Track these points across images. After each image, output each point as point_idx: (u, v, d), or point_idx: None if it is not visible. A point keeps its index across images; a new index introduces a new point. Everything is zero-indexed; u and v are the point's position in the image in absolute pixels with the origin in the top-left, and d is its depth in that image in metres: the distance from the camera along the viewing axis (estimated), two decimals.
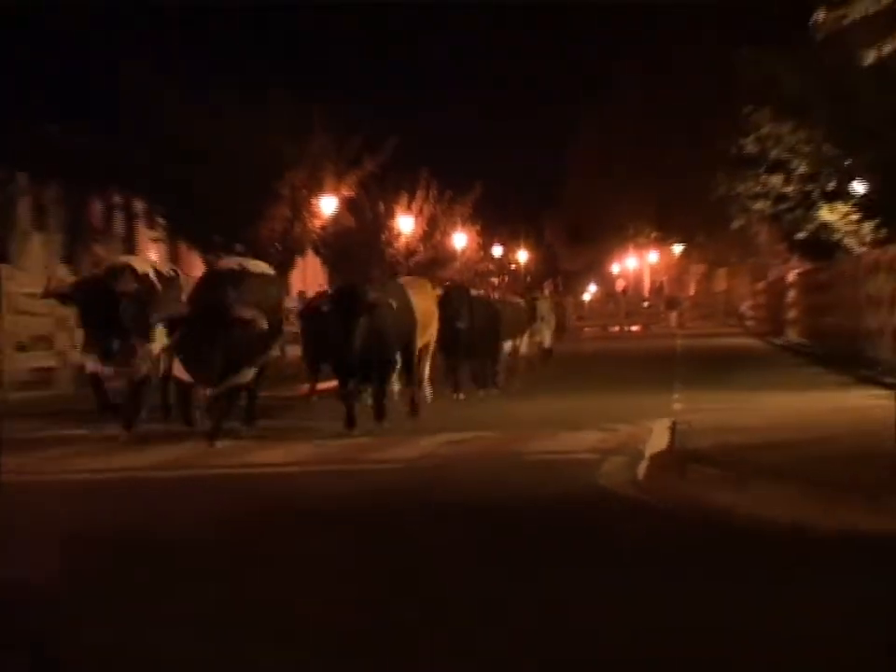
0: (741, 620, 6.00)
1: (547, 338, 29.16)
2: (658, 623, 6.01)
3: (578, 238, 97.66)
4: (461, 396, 20.47)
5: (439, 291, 20.44)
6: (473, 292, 22.37)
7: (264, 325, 14.52)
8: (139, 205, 44.45)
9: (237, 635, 6.06)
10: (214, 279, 15.45)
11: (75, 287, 15.14)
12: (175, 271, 16.97)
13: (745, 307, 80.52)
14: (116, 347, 14.46)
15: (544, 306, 29.31)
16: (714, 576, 7.00)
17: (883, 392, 18.27)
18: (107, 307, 14.37)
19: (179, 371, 14.79)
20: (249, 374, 15.11)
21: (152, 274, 15.62)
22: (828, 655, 5.43)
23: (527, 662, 5.55)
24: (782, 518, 8.26)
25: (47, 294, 15.69)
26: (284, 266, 44.38)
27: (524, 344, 25.84)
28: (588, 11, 68.50)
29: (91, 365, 14.92)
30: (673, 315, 74.34)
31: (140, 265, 15.75)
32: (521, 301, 26.59)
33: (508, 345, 23.37)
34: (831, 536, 7.76)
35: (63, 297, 15.22)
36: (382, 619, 6.26)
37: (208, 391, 14.53)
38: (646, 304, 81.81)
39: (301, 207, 43.65)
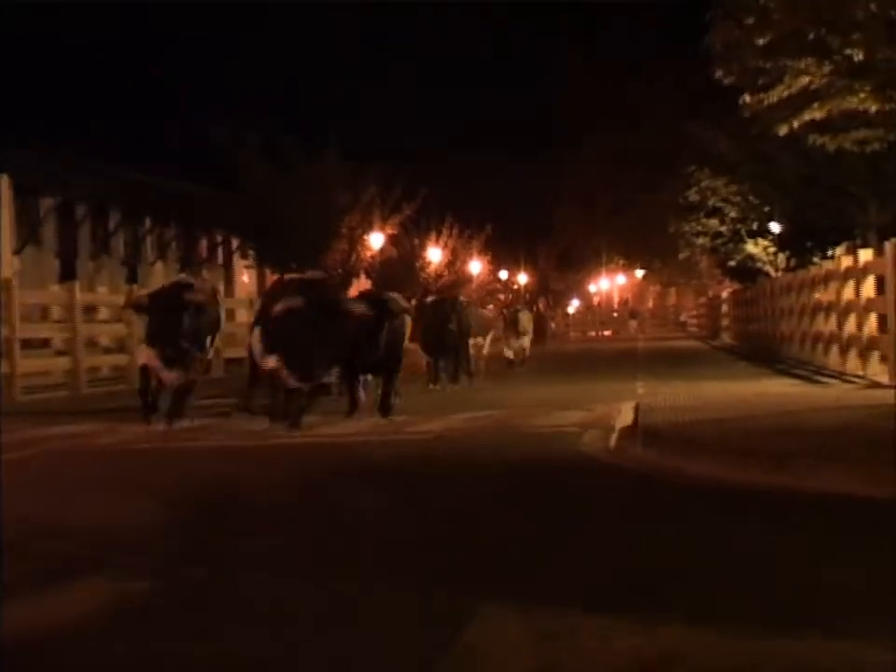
0: (678, 548, 6.03)
1: (526, 343, 28.52)
2: (623, 548, 6.05)
3: (564, 264, 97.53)
4: (439, 387, 19.62)
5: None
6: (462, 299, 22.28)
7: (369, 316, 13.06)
8: (235, 241, 44.60)
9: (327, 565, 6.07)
10: (295, 283, 13.67)
11: (148, 297, 13.93)
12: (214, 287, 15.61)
13: (685, 317, 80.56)
14: (176, 352, 13.17)
15: (524, 317, 28.64)
16: (662, 518, 7.03)
17: (793, 381, 18.33)
18: (173, 315, 13.13)
19: (150, 359, 13.32)
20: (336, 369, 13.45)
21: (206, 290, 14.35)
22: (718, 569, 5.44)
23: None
24: (716, 476, 8.33)
25: (127, 305, 14.84)
26: (343, 285, 44.67)
27: (486, 345, 25.16)
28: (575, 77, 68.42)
29: (145, 358, 13.64)
30: (633, 323, 74.13)
31: (198, 282, 14.70)
32: (488, 309, 25.84)
33: (472, 342, 22.68)
34: (748, 489, 7.78)
35: (139, 307, 14.13)
36: (428, 545, 6.29)
37: (297, 383, 12.51)
38: (615, 315, 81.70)
39: (355, 242, 44.06)
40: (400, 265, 50.40)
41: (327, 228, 41.87)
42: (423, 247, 53.90)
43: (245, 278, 47.59)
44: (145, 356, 13.57)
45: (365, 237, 44.59)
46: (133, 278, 40.36)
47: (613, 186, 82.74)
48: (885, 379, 15.78)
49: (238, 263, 46.62)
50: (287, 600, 5.17)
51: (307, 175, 41.03)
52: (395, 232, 47.42)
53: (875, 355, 17.58)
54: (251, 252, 44.23)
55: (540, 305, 65.69)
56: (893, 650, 4.02)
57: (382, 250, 45.73)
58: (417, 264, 53.24)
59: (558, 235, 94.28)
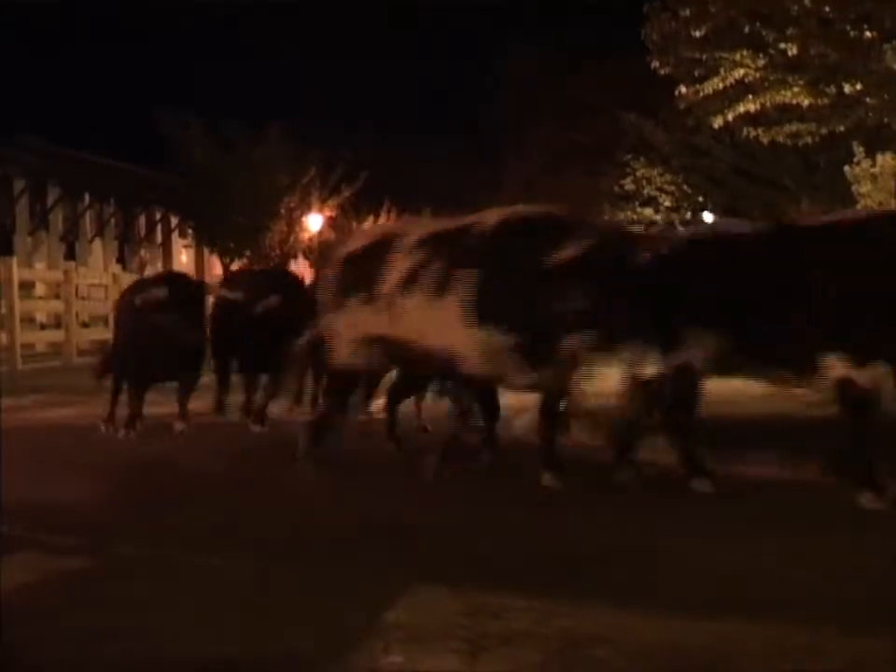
0: (612, 530, 6.07)
1: None
2: (558, 531, 6.08)
3: None
4: None
5: None
6: None
7: None
8: (174, 220, 44.40)
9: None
10: None
11: None
12: None
13: None
14: None
15: None
16: (596, 502, 7.07)
17: None
18: None
19: None
20: None
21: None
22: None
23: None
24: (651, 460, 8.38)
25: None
26: (281, 267, 44.70)
27: None
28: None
29: None
30: None
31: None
32: None
33: None
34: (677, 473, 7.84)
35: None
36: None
37: None
38: None
39: (294, 223, 44.03)
40: (338, 247, 50.36)
41: (266, 208, 41.83)
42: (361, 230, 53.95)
43: (184, 257, 47.33)
44: None
45: (303, 218, 44.59)
46: (71, 255, 40.01)
47: (554, 174, 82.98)
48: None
49: (177, 242, 46.36)
50: (216, 576, 5.15)
51: (248, 154, 40.93)
52: (334, 215, 47.44)
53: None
54: (190, 231, 44.07)
55: None
56: (818, 633, 4.06)
57: (319, 232, 45.72)
58: None
59: None
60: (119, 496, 7.31)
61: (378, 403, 9.65)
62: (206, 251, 45.14)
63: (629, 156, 42.09)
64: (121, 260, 39.75)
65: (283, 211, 43.25)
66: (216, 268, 44.40)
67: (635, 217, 43.75)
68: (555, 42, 70.81)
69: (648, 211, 42.79)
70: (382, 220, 54.85)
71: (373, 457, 9.13)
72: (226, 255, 42.43)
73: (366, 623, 4.34)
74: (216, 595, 4.86)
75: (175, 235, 46.27)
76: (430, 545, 5.83)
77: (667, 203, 41.67)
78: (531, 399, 8.34)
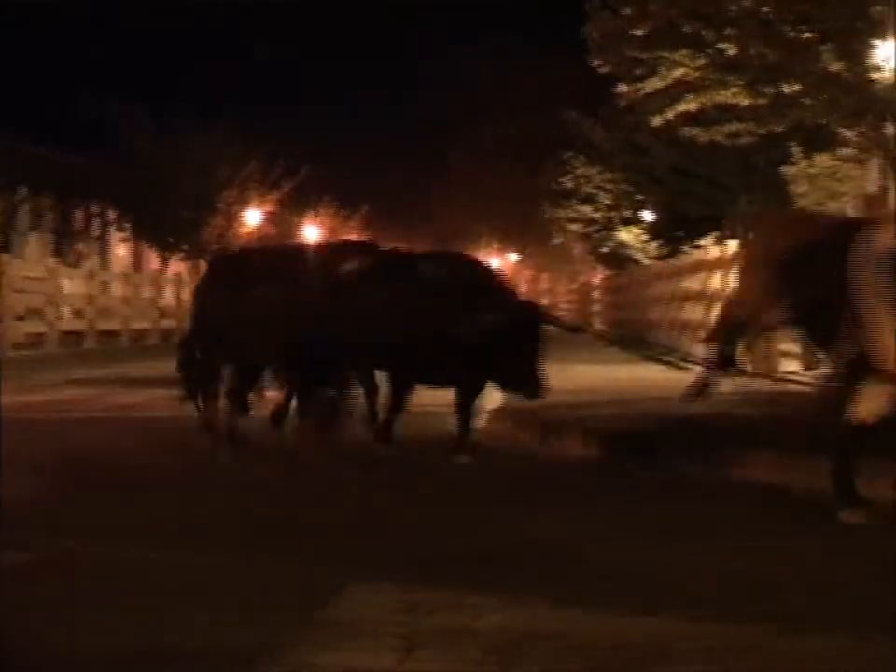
0: (549, 526, 6.09)
1: None
2: (495, 526, 6.09)
3: (443, 246, 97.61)
4: None
5: None
6: None
7: None
8: (112, 213, 44.09)
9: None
10: None
11: None
12: None
13: (546, 301, 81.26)
14: None
15: None
16: (534, 498, 7.10)
17: (661, 367, 18.56)
18: None
19: None
20: None
21: None
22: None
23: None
24: (577, 455, 8.43)
25: None
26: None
27: None
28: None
29: None
30: None
31: None
32: None
33: None
34: (617, 472, 7.89)
35: None
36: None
37: None
38: None
39: (232, 218, 43.85)
40: (276, 242, 50.21)
41: (205, 202, 41.62)
42: (300, 225, 53.75)
43: (121, 251, 47.00)
44: None
45: (242, 213, 44.42)
46: (6, 247, 39.60)
47: (496, 171, 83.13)
48: (750, 367, 16.04)
49: (114, 236, 46.00)
50: (154, 571, 5.13)
51: (187, 149, 40.70)
52: (273, 209, 47.26)
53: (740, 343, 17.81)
54: (127, 224, 43.75)
55: None
56: (757, 632, 4.08)
57: (258, 228, 45.59)
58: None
59: (438, 219, 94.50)
60: (59, 490, 7.25)
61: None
62: (144, 245, 44.85)
63: (569, 154, 42.21)
64: (58, 254, 39.38)
65: (222, 205, 43.02)
66: (153, 262, 44.17)
67: (574, 214, 43.94)
68: (497, 40, 70.86)
69: (587, 208, 42.96)
70: (322, 217, 54.86)
71: (308, 452, 9.10)
72: (164, 249, 42.22)
73: (301, 619, 4.31)
74: (152, 589, 4.83)
75: (112, 229, 45.90)
76: (364, 541, 5.82)
77: (607, 201, 41.85)
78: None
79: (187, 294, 35.21)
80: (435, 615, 4.33)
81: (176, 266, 42.54)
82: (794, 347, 14.86)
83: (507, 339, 7.94)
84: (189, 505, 6.85)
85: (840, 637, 4.02)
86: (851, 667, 3.70)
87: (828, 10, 14.69)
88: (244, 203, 44.35)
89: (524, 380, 8.09)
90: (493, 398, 12.43)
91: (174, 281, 35.23)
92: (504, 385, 8.55)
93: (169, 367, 10.57)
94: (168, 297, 34.55)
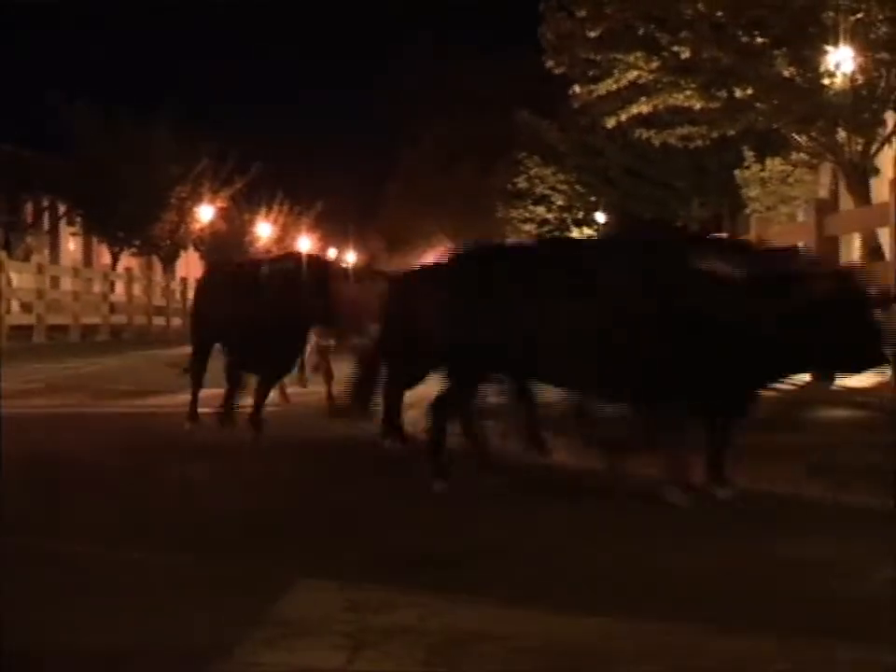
0: (499, 527, 6.09)
1: None
2: (446, 526, 6.09)
3: (394, 244, 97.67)
4: None
5: None
6: None
7: None
8: (62, 207, 43.83)
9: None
10: None
11: None
12: None
13: None
14: None
15: None
16: (489, 499, 7.09)
17: None
18: None
19: None
20: None
21: None
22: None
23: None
24: (529, 455, 8.45)
25: None
26: (171, 257, 44.35)
27: None
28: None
29: None
30: None
31: None
32: None
33: None
34: (571, 470, 7.89)
35: None
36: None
37: None
38: None
39: (185, 214, 43.67)
40: (229, 239, 50.03)
41: (157, 198, 41.42)
42: (252, 222, 53.63)
43: (72, 245, 46.74)
44: None
45: (194, 209, 44.25)
46: None
47: (446, 170, 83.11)
48: None
49: (64, 230, 45.72)
50: (104, 569, 5.10)
51: (139, 144, 40.50)
52: (225, 206, 47.14)
53: None
54: (78, 219, 43.49)
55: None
56: (699, 632, 4.10)
57: (211, 223, 45.45)
58: (246, 239, 52.91)
59: (388, 217, 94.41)
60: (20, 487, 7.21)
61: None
62: (95, 240, 44.62)
63: (523, 154, 42.32)
64: (6, 247, 39.10)
65: (174, 201, 42.85)
66: (104, 257, 43.92)
67: (528, 214, 44.06)
68: (450, 38, 70.79)
69: (540, 209, 43.09)
70: (274, 213, 54.74)
71: (263, 450, 9.09)
72: (115, 244, 42.00)
73: (250, 617, 4.31)
74: (101, 588, 4.81)
75: (62, 223, 45.63)
76: (315, 540, 5.82)
77: (560, 202, 42.01)
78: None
79: (138, 290, 35.07)
80: (384, 614, 4.34)
81: (128, 261, 42.34)
82: None
83: None
84: (143, 502, 6.82)
85: (773, 637, 4.05)
86: (786, 668, 3.74)
87: (780, 16, 14.80)
88: (196, 199, 44.16)
89: None
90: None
91: (125, 277, 35.02)
92: None
93: (114, 363, 10.53)
94: (119, 292, 34.36)
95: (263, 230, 54.07)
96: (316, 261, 9.57)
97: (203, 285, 10.47)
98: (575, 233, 43.06)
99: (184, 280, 39.68)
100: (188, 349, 10.97)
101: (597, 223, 41.05)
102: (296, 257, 9.67)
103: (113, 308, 33.25)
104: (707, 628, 4.14)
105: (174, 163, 42.04)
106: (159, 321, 35.68)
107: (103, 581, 4.91)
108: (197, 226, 44.94)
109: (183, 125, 41.59)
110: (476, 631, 4.14)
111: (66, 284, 31.16)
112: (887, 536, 5.67)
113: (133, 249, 42.97)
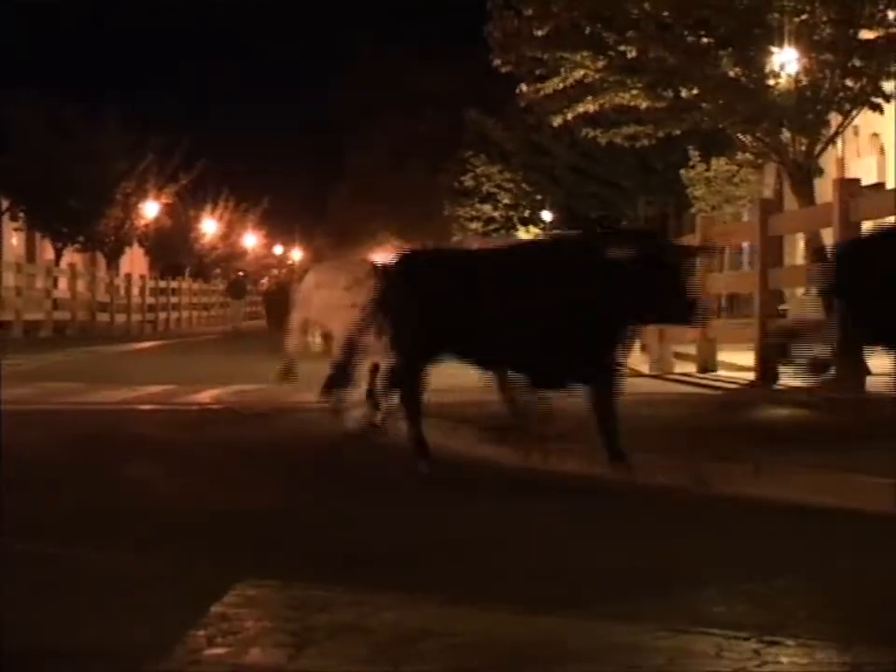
0: (445, 525, 6.09)
1: None
2: (391, 524, 6.09)
3: (340, 243, 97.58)
4: None
5: None
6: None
7: None
8: (4, 202, 43.48)
9: None
10: None
11: None
12: None
13: None
14: None
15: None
16: (431, 496, 7.10)
17: None
18: None
19: None
20: None
21: None
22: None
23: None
24: (478, 453, 8.46)
25: None
26: (115, 253, 44.05)
27: None
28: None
29: None
30: None
31: None
32: None
33: None
34: (514, 468, 7.91)
35: None
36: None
37: None
38: None
39: (130, 210, 43.43)
40: (174, 235, 49.84)
41: (102, 194, 41.13)
42: (198, 219, 53.42)
43: (14, 241, 46.32)
44: None
45: (139, 205, 44.01)
46: None
47: (394, 169, 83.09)
48: (645, 368, 16.19)
49: (7, 225, 45.34)
50: (44, 567, 5.07)
51: (84, 138, 40.23)
52: (171, 202, 46.95)
53: (636, 344, 17.99)
54: (21, 214, 43.12)
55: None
56: (643, 631, 4.11)
57: (156, 219, 45.25)
58: (191, 235, 52.72)
59: (334, 215, 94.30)
60: None
61: None
62: (38, 235, 44.26)
63: (470, 153, 42.38)
64: None
65: (119, 197, 42.59)
66: (47, 253, 43.57)
67: (474, 212, 44.12)
68: (395, 35, 70.73)
69: (487, 207, 43.17)
70: (220, 210, 54.56)
71: (210, 448, 9.06)
72: (58, 240, 41.67)
73: (193, 616, 4.28)
74: (41, 586, 4.77)
75: (5, 218, 45.25)
76: (258, 538, 5.80)
77: (506, 201, 42.10)
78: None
79: (81, 286, 34.83)
80: (327, 612, 4.32)
81: (71, 257, 42.04)
82: (690, 349, 15.03)
83: None
84: (83, 500, 6.77)
85: (720, 635, 4.06)
86: (733, 666, 3.75)
87: (726, 16, 14.87)
88: (141, 195, 43.93)
89: None
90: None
91: (68, 272, 34.75)
92: None
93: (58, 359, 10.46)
94: (62, 288, 34.09)
95: (209, 226, 53.90)
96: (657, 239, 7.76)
97: (419, 275, 7.91)
98: (521, 232, 43.20)
99: (128, 276, 39.45)
100: (134, 346, 10.90)
101: (543, 221, 41.17)
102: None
103: (56, 304, 33.00)
104: (655, 626, 4.15)
105: (119, 159, 41.80)
106: (103, 317, 35.45)
107: (37, 580, 4.86)
108: (142, 222, 44.71)
109: (128, 121, 41.41)
110: (418, 629, 4.13)
111: (9, 279, 30.91)
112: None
113: (77, 245, 42.67)
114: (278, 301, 22.92)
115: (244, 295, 41.00)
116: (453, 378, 13.95)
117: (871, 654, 3.83)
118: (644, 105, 15.61)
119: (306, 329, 10.97)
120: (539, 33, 15.50)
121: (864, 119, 16.86)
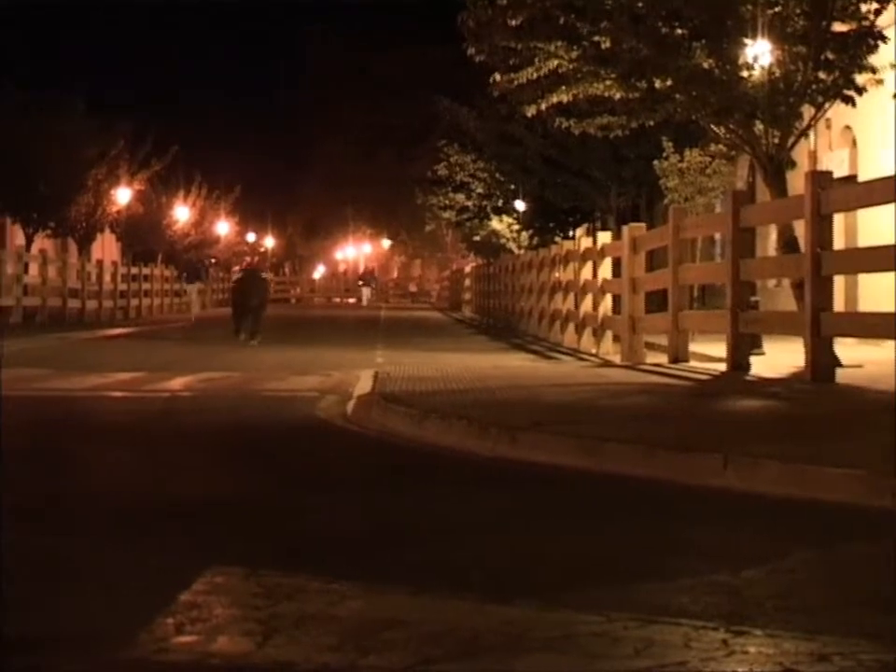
0: (407, 514, 6.10)
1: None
2: (353, 513, 6.10)
3: (312, 231, 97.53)
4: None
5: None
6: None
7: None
8: None
9: None
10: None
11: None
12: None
13: (413, 287, 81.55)
14: None
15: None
16: (393, 485, 7.12)
17: (529, 356, 18.72)
18: None
19: None
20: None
21: None
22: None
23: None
24: (446, 443, 8.46)
25: None
26: (87, 240, 43.82)
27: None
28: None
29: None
30: (366, 291, 69.47)
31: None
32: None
33: None
34: (482, 458, 7.92)
35: None
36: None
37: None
38: (360, 283, 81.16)
39: (101, 196, 43.21)
40: (146, 222, 49.68)
41: (72, 180, 40.87)
42: (170, 205, 53.25)
43: None
44: None
45: (111, 191, 43.80)
46: None
47: (365, 157, 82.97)
48: (617, 358, 16.23)
49: None
50: (13, 555, 5.04)
51: (54, 123, 39.97)
52: (142, 188, 46.81)
53: (609, 334, 18.07)
54: None
55: (286, 270, 65.00)
56: (607, 620, 4.12)
57: (128, 206, 45.05)
58: (164, 222, 52.55)
59: (306, 203, 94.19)
60: None
61: None
62: (8, 220, 44.00)
63: (443, 141, 42.31)
64: None
65: (90, 183, 42.34)
66: (18, 238, 43.33)
67: (447, 201, 44.10)
68: (364, 23, 70.57)
69: (460, 196, 43.12)
70: (192, 196, 54.41)
71: (178, 436, 9.04)
72: (29, 225, 41.41)
73: (160, 603, 4.27)
74: (5, 571, 4.75)
75: None
76: (226, 526, 5.79)
77: (479, 190, 42.05)
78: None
79: (52, 272, 34.64)
80: (294, 600, 4.32)
81: (42, 243, 41.83)
82: (662, 340, 15.05)
83: None
84: (50, 487, 6.75)
85: (688, 625, 4.08)
86: (701, 656, 3.77)
87: (699, 8, 14.88)
88: (113, 182, 43.73)
89: None
90: (363, 385, 12.46)
91: (39, 258, 34.55)
92: None
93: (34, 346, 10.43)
94: (33, 274, 33.89)
95: (181, 213, 53.74)
96: None
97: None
98: (494, 222, 43.22)
99: (100, 262, 39.27)
100: (105, 332, 10.87)
101: (517, 211, 41.16)
102: None
103: (27, 290, 32.84)
104: (618, 615, 4.16)
105: (87, 144, 41.57)
106: (74, 304, 35.30)
107: (13, 565, 4.84)
108: (113, 208, 44.51)
109: (99, 106, 41.23)
110: (388, 617, 4.14)
111: None
112: None
113: (48, 231, 42.45)
114: (242, 291, 23.45)
115: (196, 280, 40.47)
116: (424, 367, 13.97)
117: (837, 645, 3.85)
118: (617, 95, 15.61)
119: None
120: (513, 22, 15.48)
121: (837, 111, 16.90)
